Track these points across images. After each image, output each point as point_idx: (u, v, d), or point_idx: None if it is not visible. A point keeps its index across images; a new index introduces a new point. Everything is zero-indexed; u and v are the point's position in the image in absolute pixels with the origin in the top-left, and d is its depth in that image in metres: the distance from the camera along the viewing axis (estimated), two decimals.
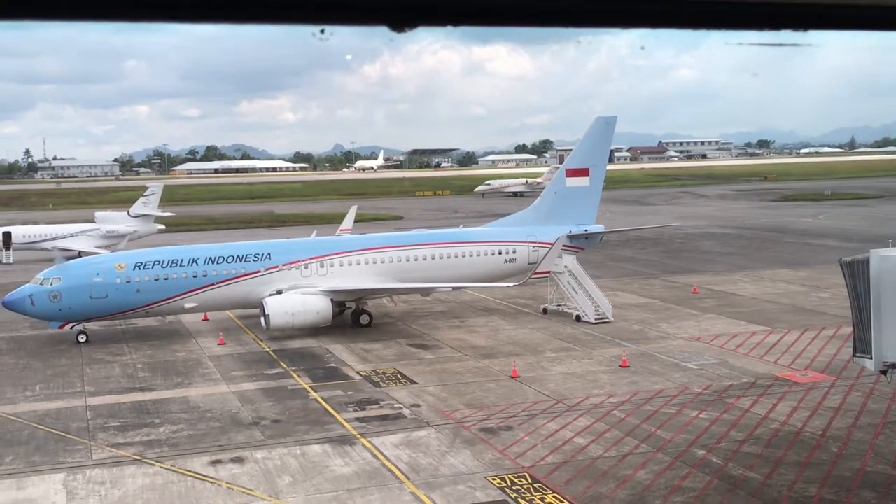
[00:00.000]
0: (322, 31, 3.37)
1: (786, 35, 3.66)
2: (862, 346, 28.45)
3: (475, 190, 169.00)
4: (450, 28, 3.38)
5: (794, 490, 24.08)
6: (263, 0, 3.20)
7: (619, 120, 55.14)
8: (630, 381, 36.08)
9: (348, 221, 66.91)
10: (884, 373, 28.23)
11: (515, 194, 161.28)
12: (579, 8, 3.46)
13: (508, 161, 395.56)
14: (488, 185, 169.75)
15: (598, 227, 55.29)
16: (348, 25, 3.21)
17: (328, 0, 3.19)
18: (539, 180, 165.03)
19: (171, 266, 45.65)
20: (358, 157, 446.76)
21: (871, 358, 27.90)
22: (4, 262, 79.10)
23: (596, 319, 47.35)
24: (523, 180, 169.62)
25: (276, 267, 47.04)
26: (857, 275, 28.06)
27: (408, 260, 49.70)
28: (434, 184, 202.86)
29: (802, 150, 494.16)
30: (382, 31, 3.25)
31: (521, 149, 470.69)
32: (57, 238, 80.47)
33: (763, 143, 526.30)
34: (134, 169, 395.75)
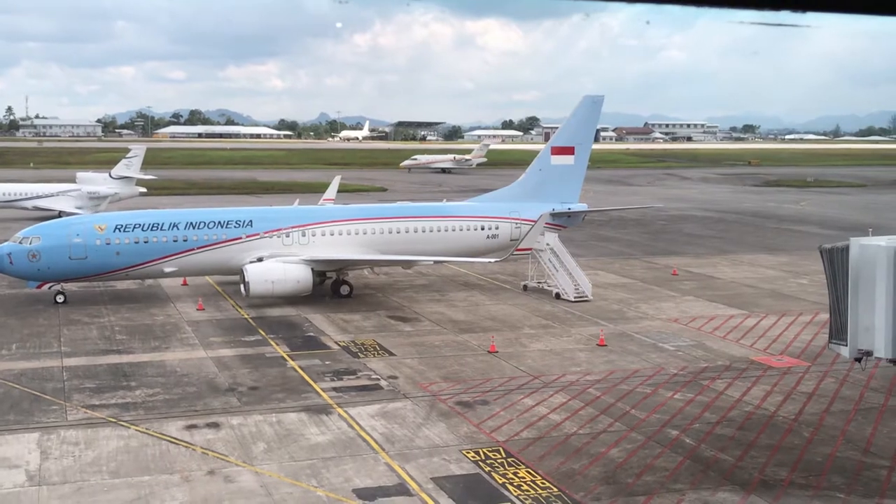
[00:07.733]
0: None
1: (784, 16, 3.63)
2: (838, 332, 28.73)
3: (401, 165, 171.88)
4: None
5: (765, 473, 24.32)
6: None
7: (606, 100, 55.00)
8: (607, 359, 36.27)
9: (331, 191, 66.90)
10: (858, 360, 28.54)
11: (443, 170, 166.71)
12: None
13: (494, 136, 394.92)
14: (415, 159, 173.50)
15: (582, 206, 55.35)
16: None
17: None
18: (467, 157, 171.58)
19: (151, 229, 45.38)
20: (343, 126, 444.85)
21: (846, 345, 28.19)
22: None
23: (575, 298, 47.51)
24: (451, 157, 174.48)
25: (258, 234, 46.85)
26: (836, 262, 28.27)
27: (390, 232, 49.58)
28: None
29: (787, 137, 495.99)
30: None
31: (507, 125, 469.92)
32: (38, 197, 79.88)
33: (748, 128, 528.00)
34: (116, 130, 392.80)
